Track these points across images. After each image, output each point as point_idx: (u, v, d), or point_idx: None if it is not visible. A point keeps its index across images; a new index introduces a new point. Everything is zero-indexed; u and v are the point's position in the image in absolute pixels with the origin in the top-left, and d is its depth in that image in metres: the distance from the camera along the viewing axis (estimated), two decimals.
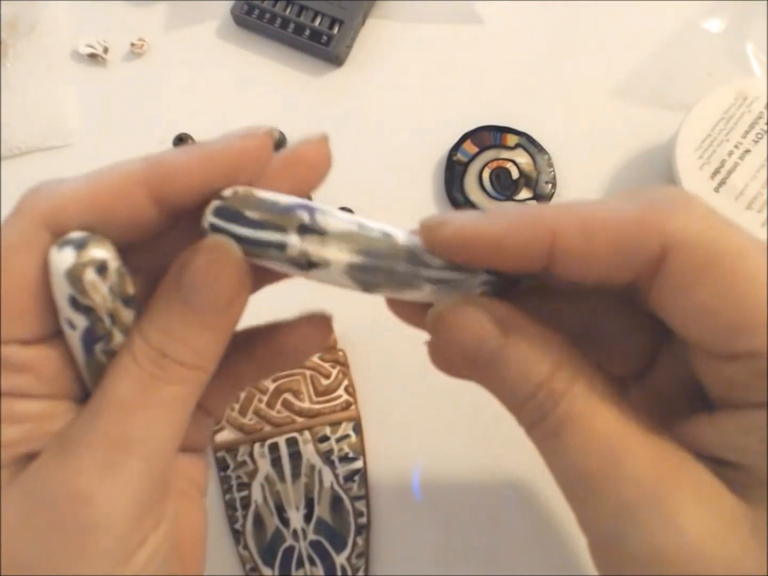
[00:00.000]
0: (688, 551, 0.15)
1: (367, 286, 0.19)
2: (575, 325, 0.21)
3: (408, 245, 0.19)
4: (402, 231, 0.19)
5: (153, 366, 0.18)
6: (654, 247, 0.16)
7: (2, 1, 0.45)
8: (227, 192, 0.18)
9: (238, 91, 0.42)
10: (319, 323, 0.22)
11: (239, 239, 0.18)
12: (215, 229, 0.18)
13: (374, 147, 0.41)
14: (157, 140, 0.41)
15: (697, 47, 0.41)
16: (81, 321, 0.18)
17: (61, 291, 0.17)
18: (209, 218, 0.18)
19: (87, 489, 0.17)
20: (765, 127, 0.35)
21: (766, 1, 0.40)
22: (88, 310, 0.18)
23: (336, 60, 0.42)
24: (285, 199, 0.19)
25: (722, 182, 0.34)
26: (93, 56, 0.43)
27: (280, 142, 0.40)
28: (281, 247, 0.18)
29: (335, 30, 0.41)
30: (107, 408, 0.17)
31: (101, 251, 0.17)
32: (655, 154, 0.39)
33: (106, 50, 0.43)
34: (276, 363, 0.22)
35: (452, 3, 0.43)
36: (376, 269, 0.19)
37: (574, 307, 0.18)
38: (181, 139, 0.40)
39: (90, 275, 0.17)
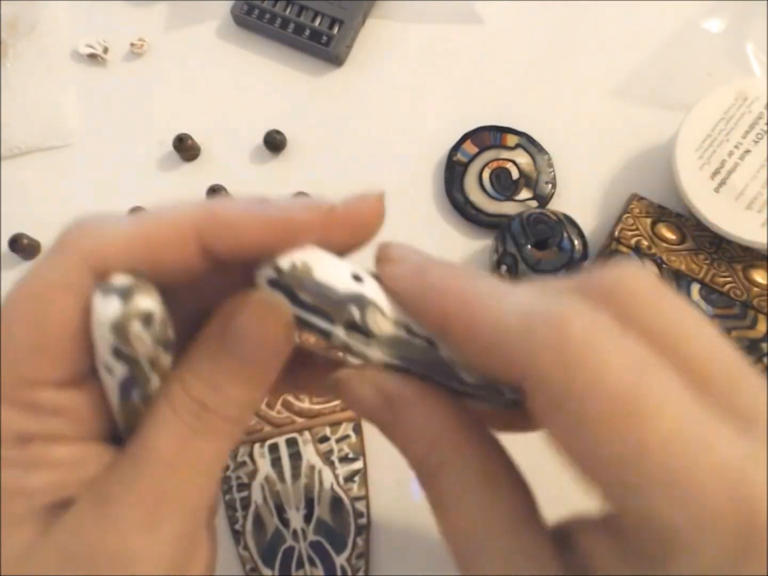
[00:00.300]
0: None
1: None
2: None
3: (448, 359, 0.19)
4: None
5: (193, 419, 0.17)
6: (514, 370, 0.16)
7: (2, 1, 0.45)
8: (285, 263, 0.18)
9: (238, 91, 0.42)
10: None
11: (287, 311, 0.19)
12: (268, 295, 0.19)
13: (374, 147, 0.41)
14: (157, 140, 0.41)
15: (697, 47, 0.41)
16: (121, 369, 0.17)
17: (104, 339, 0.17)
18: (264, 283, 0.18)
19: (127, 547, 0.16)
20: (765, 128, 0.35)
21: (766, 1, 0.40)
22: (129, 360, 0.17)
23: (336, 60, 0.42)
24: (341, 285, 0.18)
25: (722, 182, 0.34)
26: (93, 56, 0.43)
27: (279, 143, 0.40)
28: (326, 334, 0.19)
29: (335, 30, 0.41)
30: (147, 463, 0.17)
31: (148, 301, 0.17)
32: (655, 154, 0.39)
33: (106, 50, 0.43)
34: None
35: (452, 3, 0.43)
36: (413, 373, 0.19)
37: None
38: (180, 140, 0.40)
39: (136, 327, 0.16)
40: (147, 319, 0.17)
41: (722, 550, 0.13)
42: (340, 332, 0.19)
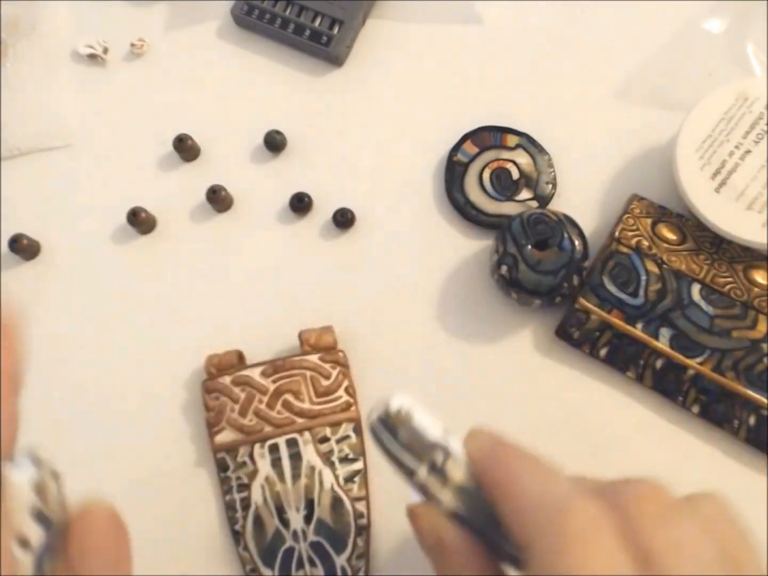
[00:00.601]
0: None
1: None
2: None
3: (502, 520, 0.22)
4: None
5: None
6: (522, 538, 0.20)
7: (2, 1, 0.45)
8: (394, 407, 0.24)
9: (238, 92, 0.42)
10: None
11: (383, 447, 0.24)
12: (374, 431, 0.24)
13: (374, 147, 0.40)
14: (157, 140, 0.41)
15: (698, 47, 0.41)
16: (40, 537, 0.17)
17: (25, 503, 0.17)
18: (374, 420, 0.24)
19: None
20: (765, 128, 0.35)
21: (766, 1, 0.40)
22: (48, 523, 0.18)
23: (336, 60, 0.42)
24: (432, 432, 0.24)
25: (723, 183, 0.34)
26: (93, 56, 0.43)
27: (279, 143, 0.40)
28: (410, 471, 0.24)
29: (335, 30, 0.41)
30: None
31: (51, 464, 0.18)
32: (655, 154, 0.39)
33: (105, 50, 0.43)
34: None
35: (452, 3, 0.43)
36: (471, 524, 0.23)
37: None
38: (180, 140, 0.40)
39: (53, 485, 0.18)
40: (56, 477, 0.18)
41: None
42: (422, 472, 0.24)
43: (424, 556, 0.33)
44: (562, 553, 0.19)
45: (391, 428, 0.24)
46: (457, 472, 0.23)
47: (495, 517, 0.22)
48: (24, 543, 0.17)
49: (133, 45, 0.43)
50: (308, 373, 0.35)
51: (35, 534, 0.17)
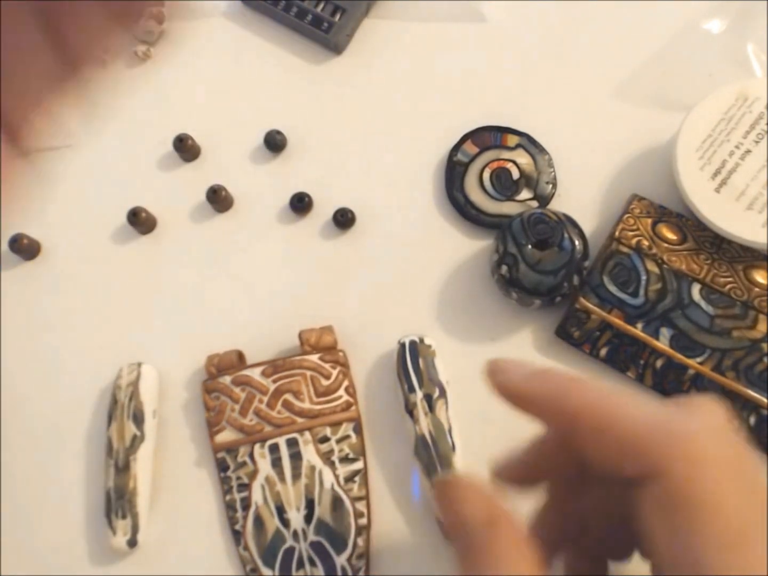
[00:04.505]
0: None
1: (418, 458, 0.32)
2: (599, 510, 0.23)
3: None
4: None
5: None
6: (647, 465, 0.19)
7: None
8: (428, 342, 0.34)
9: (238, 80, 0.42)
10: None
11: (402, 362, 0.33)
12: (402, 347, 0.34)
13: (374, 148, 0.40)
14: (157, 140, 0.41)
15: (698, 47, 0.41)
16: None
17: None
18: (407, 341, 0.34)
19: None
20: (766, 128, 0.35)
21: (766, 1, 0.40)
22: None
23: (335, 48, 0.42)
24: (441, 375, 0.32)
25: (723, 183, 0.34)
26: None
27: (280, 143, 0.40)
28: (412, 389, 0.32)
29: (337, 17, 0.41)
30: None
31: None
32: (655, 154, 0.39)
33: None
34: None
35: (454, 3, 0.43)
36: (431, 450, 0.32)
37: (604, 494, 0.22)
38: (181, 140, 0.40)
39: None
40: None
41: None
42: (419, 394, 0.32)
43: (428, 554, 0.33)
44: (703, 471, 0.18)
45: (416, 353, 0.32)
46: (442, 410, 0.31)
47: (442, 457, 0.31)
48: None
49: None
50: (308, 373, 0.35)
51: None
